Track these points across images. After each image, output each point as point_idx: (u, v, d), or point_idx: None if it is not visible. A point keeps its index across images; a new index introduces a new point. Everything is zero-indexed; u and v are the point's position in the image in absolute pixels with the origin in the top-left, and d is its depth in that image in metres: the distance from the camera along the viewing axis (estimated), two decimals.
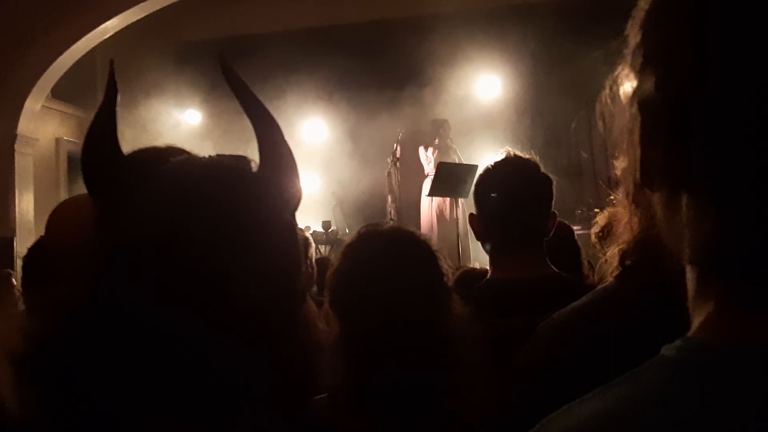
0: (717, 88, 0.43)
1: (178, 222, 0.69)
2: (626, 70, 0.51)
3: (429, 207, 7.94)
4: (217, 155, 0.78)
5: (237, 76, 0.78)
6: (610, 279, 1.21)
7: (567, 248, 2.62)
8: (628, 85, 0.51)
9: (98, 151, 0.75)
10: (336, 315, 1.40)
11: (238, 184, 0.73)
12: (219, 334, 0.68)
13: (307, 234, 3.05)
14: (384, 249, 1.41)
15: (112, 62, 0.80)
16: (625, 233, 0.73)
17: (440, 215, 7.87)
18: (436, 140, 8.14)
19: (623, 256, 1.07)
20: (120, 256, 0.69)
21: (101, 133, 0.76)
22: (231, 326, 0.69)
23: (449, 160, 7.86)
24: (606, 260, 1.17)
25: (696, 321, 0.48)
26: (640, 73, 0.49)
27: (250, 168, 0.76)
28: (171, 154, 0.80)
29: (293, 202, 0.78)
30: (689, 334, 0.48)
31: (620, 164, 0.54)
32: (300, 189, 0.78)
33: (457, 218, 7.35)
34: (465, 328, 1.39)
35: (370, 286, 1.35)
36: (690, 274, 0.49)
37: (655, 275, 0.55)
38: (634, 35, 0.50)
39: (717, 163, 0.44)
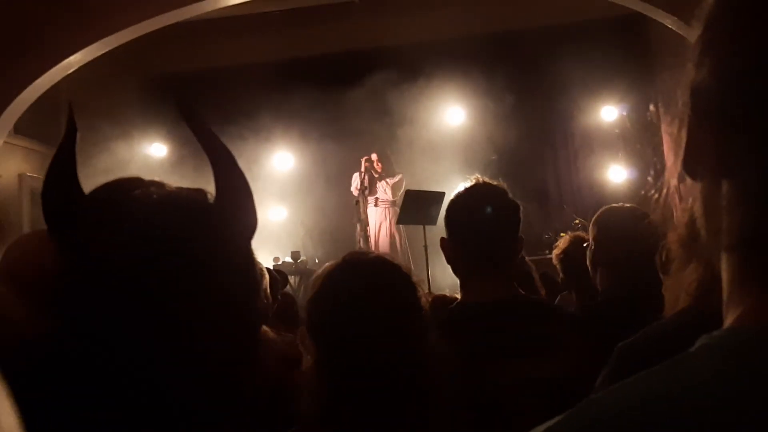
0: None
1: (135, 254, 0.70)
2: (687, 63, 0.51)
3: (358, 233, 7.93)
4: (176, 188, 0.80)
5: (191, 110, 0.80)
6: (684, 301, 1.21)
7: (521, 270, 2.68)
8: (685, 76, 0.51)
9: (58, 188, 0.77)
10: (313, 341, 1.40)
11: (194, 215, 0.76)
12: (179, 361, 0.69)
13: (263, 266, 3.05)
14: (364, 278, 1.42)
15: (70, 104, 0.84)
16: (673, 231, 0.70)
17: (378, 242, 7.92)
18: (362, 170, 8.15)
19: (701, 281, 1.06)
20: (80, 289, 0.71)
21: (61, 170, 0.78)
22: (191, 354, 0.70)
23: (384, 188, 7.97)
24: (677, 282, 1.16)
25: (735, 311, 0.48)
26: (697, 62, 0.50)
27: (207, 199, 0.78)
28: (127, 187, 0.82)
29: (249, 230, 0.80)
30: (730, 323, 0.48)
31: (670, 155, 0.54)
32: (255, 217, 0.80)
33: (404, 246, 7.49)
34: (440, 355, 1.41)
35: (349, 314, 1.36)
36: (727, 264, 0.49)
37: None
38: (697, 28, 0.51)
39: (764, 150, 0.44)
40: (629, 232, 2.08)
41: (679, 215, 0.61)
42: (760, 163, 0.45)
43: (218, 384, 0.72)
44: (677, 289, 1.25)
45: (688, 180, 0.54)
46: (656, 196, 0.61)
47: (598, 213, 2.30)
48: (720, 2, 0.50)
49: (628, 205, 2.37)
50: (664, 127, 8.46)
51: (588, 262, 2.26)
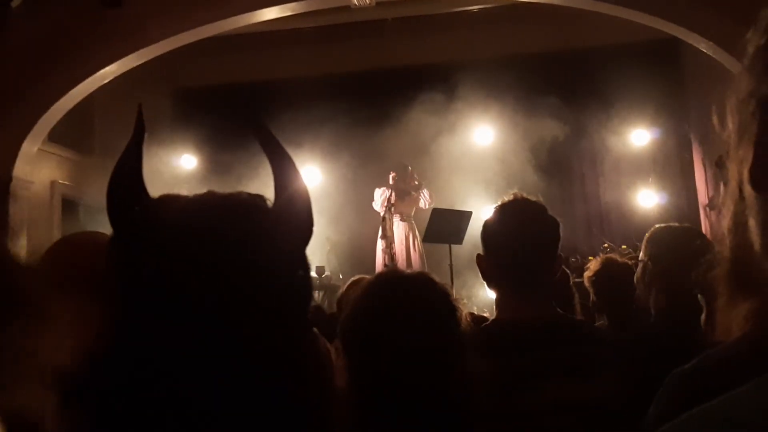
0: None
1: (198, 252, 0.72)
2: (745, 74, 0.51)
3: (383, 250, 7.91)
4: (237, 192, 0.81)
5: (257, 118, 0.82)
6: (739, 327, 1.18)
7: (562, 291, 2.63)
8: (739, 90, 0.51)
9: (123, 187, 0.78)
10: (348, 357, 1.38)
11: (253, 217, 0.77)
12: (229, 362, 0.70)
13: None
14: (401, 295, 1.40)
15: (140, 106, 0.85)
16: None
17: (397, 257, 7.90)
18: (390, 181, 8.14)
19: (758, 308, 1.05)
20: (144, 285, 0.72)
21: (128, 169, 0.79)
22: (242, 355, 0.71)
23: (410, 203, 7.99)
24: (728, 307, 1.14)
25: None
26: (762, 75, 0.49)
27: (266, 204, 0.80)
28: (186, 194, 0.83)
29: (305, 235, 0.81)
30: None
31: (731, 166, 0.53)
32: (312, 222, 0.81)
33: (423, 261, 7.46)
34: (476, 375, 1.38)
35: (384, 331, 1.34)
36: None
37: None
38: (756, 40, 0.50)
39: None
40: (688, 253, 2.03)
41: (725, 247, 0.59)
42: None
43: (270, 383, 0.72)
44: (730, 314, 1.21)
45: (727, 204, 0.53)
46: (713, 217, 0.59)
47: (651, 231, 2.24)
48: None
49: (684, 225, 2.33)
50: (695, 154, 8.39)
51: (639, 282, 2.19)
